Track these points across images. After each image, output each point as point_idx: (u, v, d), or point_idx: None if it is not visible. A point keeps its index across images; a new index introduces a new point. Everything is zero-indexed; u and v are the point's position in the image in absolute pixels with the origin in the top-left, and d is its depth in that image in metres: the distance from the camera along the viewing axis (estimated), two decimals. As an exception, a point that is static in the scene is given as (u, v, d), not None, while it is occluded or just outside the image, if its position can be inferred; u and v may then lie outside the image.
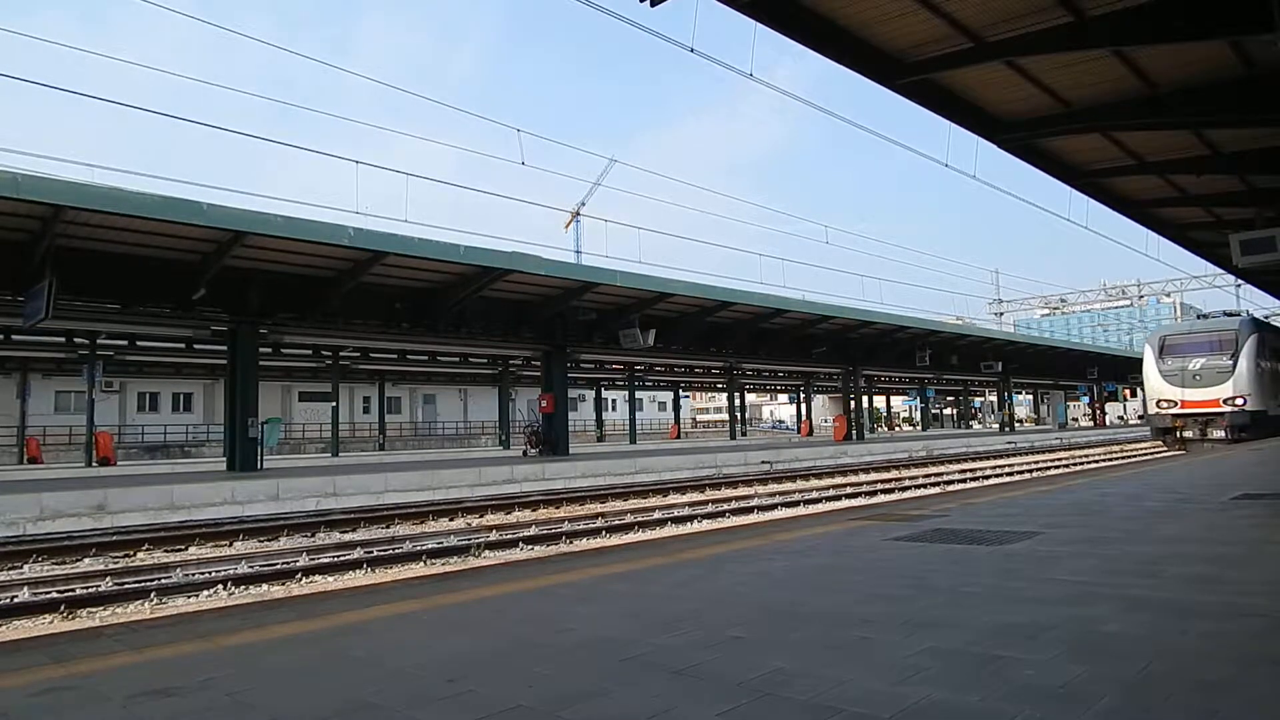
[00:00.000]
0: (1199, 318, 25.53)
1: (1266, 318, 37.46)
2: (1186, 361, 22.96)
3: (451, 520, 13.32)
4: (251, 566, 9.24)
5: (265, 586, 8.38)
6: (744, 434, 54.24)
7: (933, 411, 67.19)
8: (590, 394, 50.39)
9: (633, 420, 44.82)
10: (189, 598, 7.87)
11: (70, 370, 31.62)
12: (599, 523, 12.40)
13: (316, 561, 9.39)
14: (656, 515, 13.30)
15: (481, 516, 13.71)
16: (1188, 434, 22.58)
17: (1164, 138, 12.26)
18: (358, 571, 9.09)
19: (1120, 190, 15.09)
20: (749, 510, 14.02)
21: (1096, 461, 25.43)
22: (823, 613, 3.30)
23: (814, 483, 19.44)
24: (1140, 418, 34.98)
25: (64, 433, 36.96)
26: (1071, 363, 49.98)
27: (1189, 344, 23.46)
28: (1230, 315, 24.81)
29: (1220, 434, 21.49)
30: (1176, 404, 22.83)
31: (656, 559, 4.88)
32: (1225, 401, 21.62)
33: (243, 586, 8.26)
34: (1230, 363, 21.95)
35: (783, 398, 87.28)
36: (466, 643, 3.00)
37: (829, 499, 15.64)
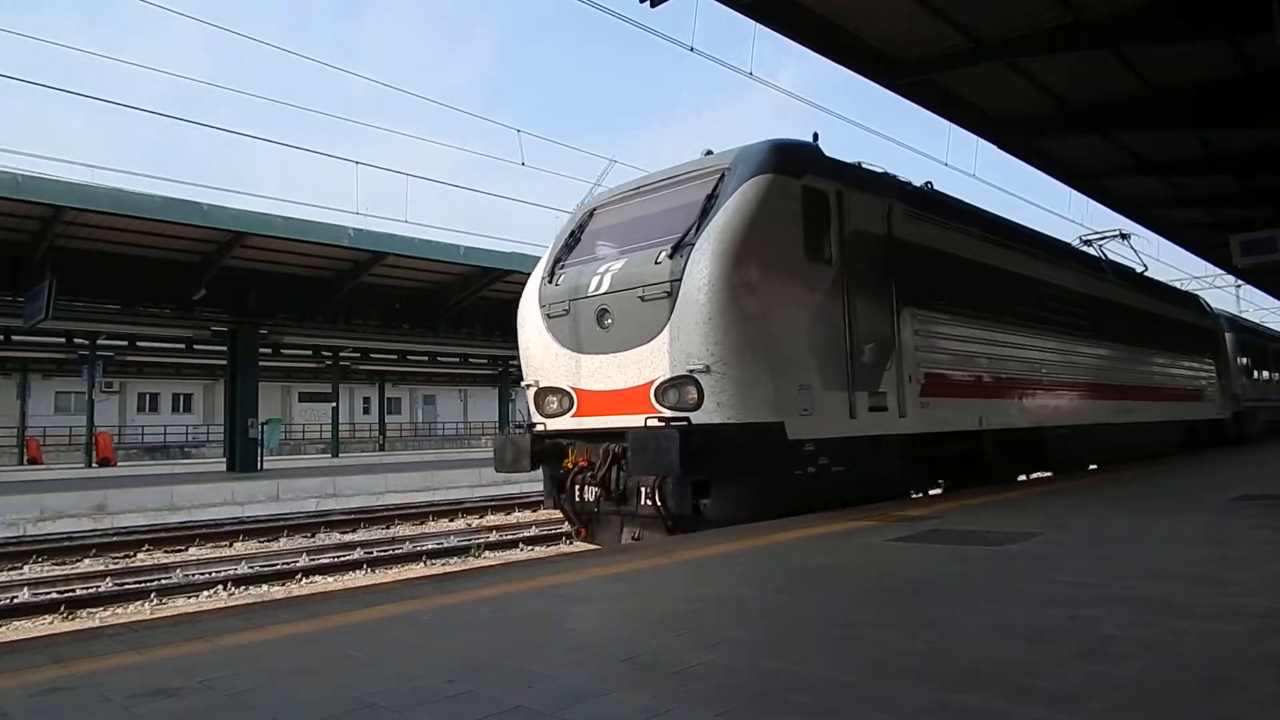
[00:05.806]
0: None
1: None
2: (588, 275, 7.00)
3: (451, 521, 13.33)
4: (252, 567, 9.25)
5: (265, 587, 8.39)
6: (744, 434, 54.11)
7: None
8: (590, 394, 50.29)
9: (633, 420, 44.72)
10: (189, 598, 7.88)
11: (70, 370, 31.62)
12: (599, 523, 12.39)
13: (317, 562, 9.40)
14: (656, 515, 13.29)
15: (481, 517, 13.72)
16: (588, 497, 6.82)
17: (1164, 138, 12.26)
18: (358, 572, 9.10)
19: (1120, 190, 15.10)
20: (749, 510, 14.00)
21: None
22: (822, 613, 3.30)
23: (814, 483, 19.41)
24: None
25: (64, 433, 36.96)
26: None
27: (621, 226, 7.43)
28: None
29: (645, 504, 6.36)
30: (571, 400, 7.03)
31: (657, 559, 4.88)
32: (658, 394, 6.28)
33: (243, 587, 8.27)
34: (669, 277, 6.26)
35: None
36: (466, 643, 3.00)
37: (829, 499, 15.61)
